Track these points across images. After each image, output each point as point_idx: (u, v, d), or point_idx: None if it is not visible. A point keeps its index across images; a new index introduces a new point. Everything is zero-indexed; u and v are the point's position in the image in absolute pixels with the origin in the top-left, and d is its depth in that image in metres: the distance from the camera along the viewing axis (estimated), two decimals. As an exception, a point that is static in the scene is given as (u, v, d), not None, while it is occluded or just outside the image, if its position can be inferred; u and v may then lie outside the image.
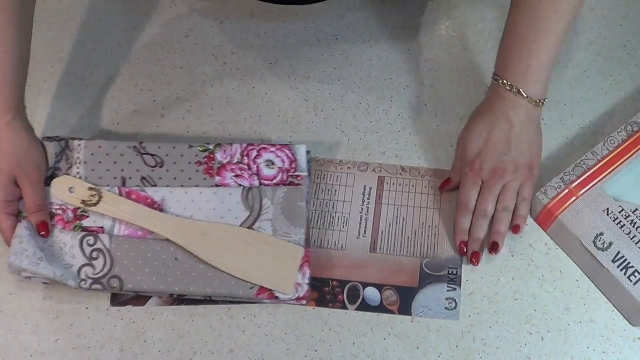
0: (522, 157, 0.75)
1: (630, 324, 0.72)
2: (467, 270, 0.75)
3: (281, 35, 0.91)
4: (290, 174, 0.77)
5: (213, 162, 0.77)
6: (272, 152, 0.78)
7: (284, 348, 0.71)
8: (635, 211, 0.73)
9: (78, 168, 0.76)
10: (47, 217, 0.73)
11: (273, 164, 0.77)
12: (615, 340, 0.72)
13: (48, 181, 0.75)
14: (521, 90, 0.72)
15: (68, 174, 0.76)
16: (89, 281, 0.71)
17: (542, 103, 0.74)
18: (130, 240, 0.73)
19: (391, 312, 0.72)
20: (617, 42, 0.91)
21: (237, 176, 0.77)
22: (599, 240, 0.72)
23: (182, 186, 0.76)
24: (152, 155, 0.77)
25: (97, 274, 0.71)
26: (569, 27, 0.72)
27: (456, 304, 0.73)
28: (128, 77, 0.87)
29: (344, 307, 0.73)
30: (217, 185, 0.76)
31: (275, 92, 0.86)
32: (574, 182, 0.76)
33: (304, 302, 0.72)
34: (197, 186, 0.76)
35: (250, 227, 0.74)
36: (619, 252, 0.71)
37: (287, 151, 0.78)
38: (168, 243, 0.73)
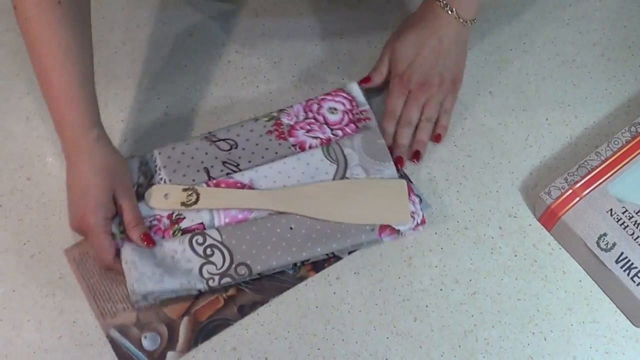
0: (448, 72, 0.81)
1: (633, 324, 0.72)
2: (469, 270, 0.75)
3: (285, 33, 0.91)
4: (354, 112, 0.82)
5: (282, 127, 0.80)
6: (330, 99, 0.83)
7: (287, 346, 0.71)
8: (638, 212, 0.73)
9: (160, 175, 0.76)
10: (146, 228, 0.72)
11: (335, 109, 0.82)
12: (618, 340, 0.72)
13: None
14: (454, 10, 0.79)
15: (152, 184, 0.76)
16: (216, 277, 0.71)
17: (472, 23, 0.81)
18: (240, 226, 0.73)
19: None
20: (621, 43, 0.91)
21: (308, 131, 0.80)
22: (602, 241, 0.72)
23: (262, 157, 0.78)
24: (224, 140, 0.79)
25: (220, 269, 0.71)
26: None
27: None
28: (132, 76, 0.87)
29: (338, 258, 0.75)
30: (293, 146, 0.79)
31: (280, 91, 0.86)
32: (577, 182, 0.76)
33: (422, 227, 0.76)
34: (276, 153, 0.78)
35: (343, 178, 0.76)
36: (622, 253, 0.71)
37: (342, 94, 0.83)
38: (277, 216, 0.74)
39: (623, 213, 0.73)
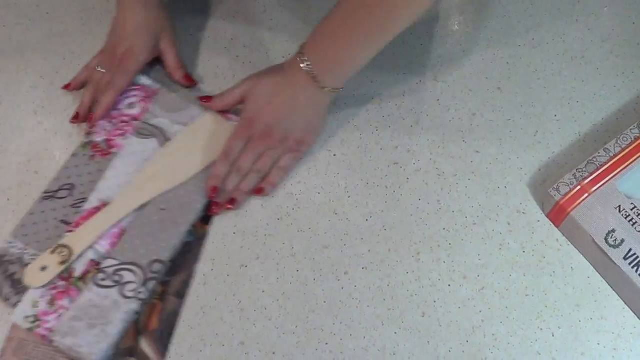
0: (296, 131, 0.77)
1: None
2: (477, 266, 0.75)
3: (294, 28, 0.91)
4: (147, 95, 0.83)
5: (99, 146, 0.80)
6: (123, 97, 0.83)
7: (295, 341, 0.71)
8: (647, 208, 0.73)
9: (27, 254, 0.74)
10: (186, 70, 0.85)
11: (132, 103, 0.82)
12: (626, 337, 0.72)
13: None
14: (315, 75, 0.73)
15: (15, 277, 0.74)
16: (141, 289, 0.71)
17: (335, 92, 0.76)
18: (125, 239, 0.74)
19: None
20: (631, 40, 0.90)
21: (123, 134, 0.80)
22: (611, 237, 0.72)
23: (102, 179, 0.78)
24: (59, 189, 0.77)
25: (138, 281, 0.71)
26: (390, 35, 0.70)
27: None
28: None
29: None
30: (117, 153, 0.79)
31: (287, 86, 0.86)
32: (586, 178, 0.75)
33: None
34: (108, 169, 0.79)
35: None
36: (630, 249, 0.71)
37: (132, 87, 0.83)
38: (144, 209, 0.75)
39: (632, 209, 0.73)
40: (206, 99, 0.81)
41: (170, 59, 0.84)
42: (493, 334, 0.72)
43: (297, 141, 0.78)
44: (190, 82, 0.84)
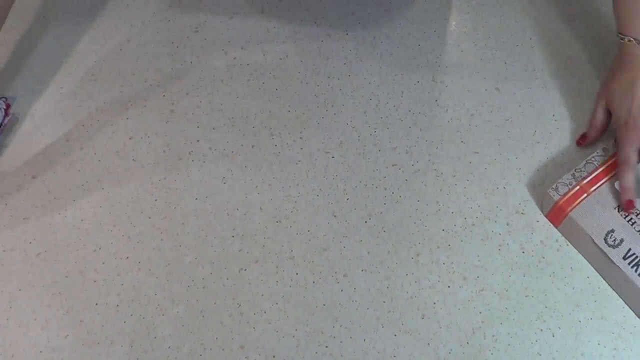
0: None
1: None
2: (476, 267, 0.75)
3: (291, 30, 0.90)
4: None
5: None
6: None
7: (294, 344, 0.71)
8: (647, 208, 0.73)
9: None
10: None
11: None
12: (626, 336, 0.72)
13: None
14: None
15: None
16: None
17: None
18: None
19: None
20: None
21: None
22: (610, 237, 0.72)
23: None
24: None
25: None
26: None
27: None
28: (137, 72, 0.87)
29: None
30: None
31: (285, 88, 0.86)
32: (584, 178, 0.75)
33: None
34: None
35: None
36: (629, 249, 0.71)
37: None
38: None
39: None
40: (582, 139, 0.81)
41: None
42: (493, 335, 0.72)
43: None
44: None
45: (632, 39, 0.76)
